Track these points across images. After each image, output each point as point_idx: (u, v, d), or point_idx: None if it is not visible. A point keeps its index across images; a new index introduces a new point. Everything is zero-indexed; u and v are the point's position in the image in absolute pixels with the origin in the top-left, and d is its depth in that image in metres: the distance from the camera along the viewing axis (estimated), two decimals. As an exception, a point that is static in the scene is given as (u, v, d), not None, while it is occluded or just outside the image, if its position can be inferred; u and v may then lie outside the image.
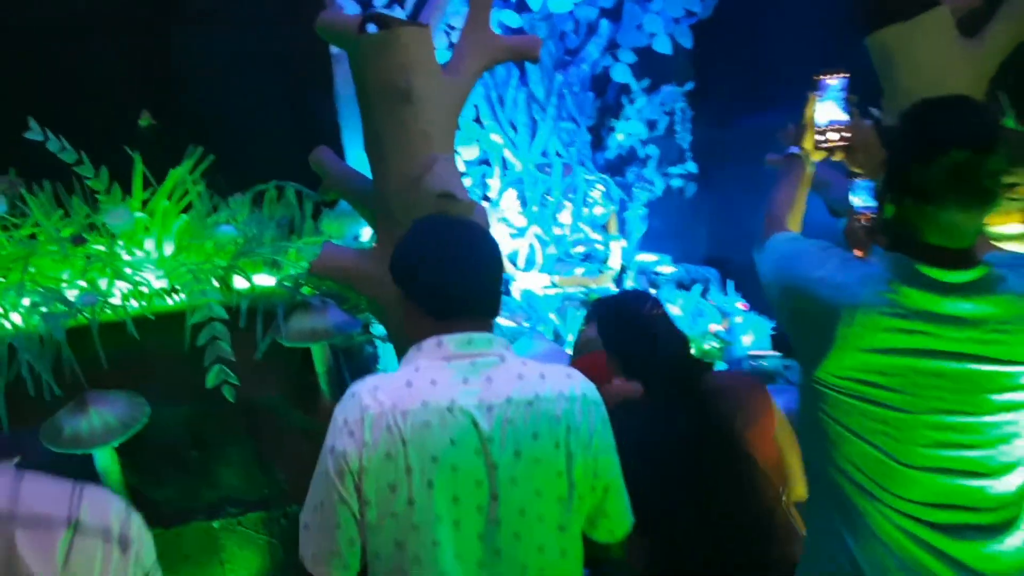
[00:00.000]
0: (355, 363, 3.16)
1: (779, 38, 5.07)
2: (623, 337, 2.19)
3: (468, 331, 1.52)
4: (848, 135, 2.14)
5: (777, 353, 4.37)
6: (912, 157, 1.52)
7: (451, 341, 1.50)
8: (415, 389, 1.45)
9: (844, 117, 2.14)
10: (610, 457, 1.57)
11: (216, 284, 2.86)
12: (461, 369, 1.48)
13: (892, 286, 1.56)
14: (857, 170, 2.28)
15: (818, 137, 2.15)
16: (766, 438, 2.07)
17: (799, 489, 2.01)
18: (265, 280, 3.02)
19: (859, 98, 2.52)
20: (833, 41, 4.68)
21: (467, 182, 5.41)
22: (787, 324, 1.76)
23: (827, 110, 2.14)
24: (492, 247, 1.62)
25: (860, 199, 2.37)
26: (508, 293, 5.12)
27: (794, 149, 2.17)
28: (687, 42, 5.58)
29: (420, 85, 2.49)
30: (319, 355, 2.93)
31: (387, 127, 2.52)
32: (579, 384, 1.55)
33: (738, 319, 4.66)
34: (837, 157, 2.20)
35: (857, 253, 2.14)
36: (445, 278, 1.54)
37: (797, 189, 2.14)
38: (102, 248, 2.82)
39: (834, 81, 2.17)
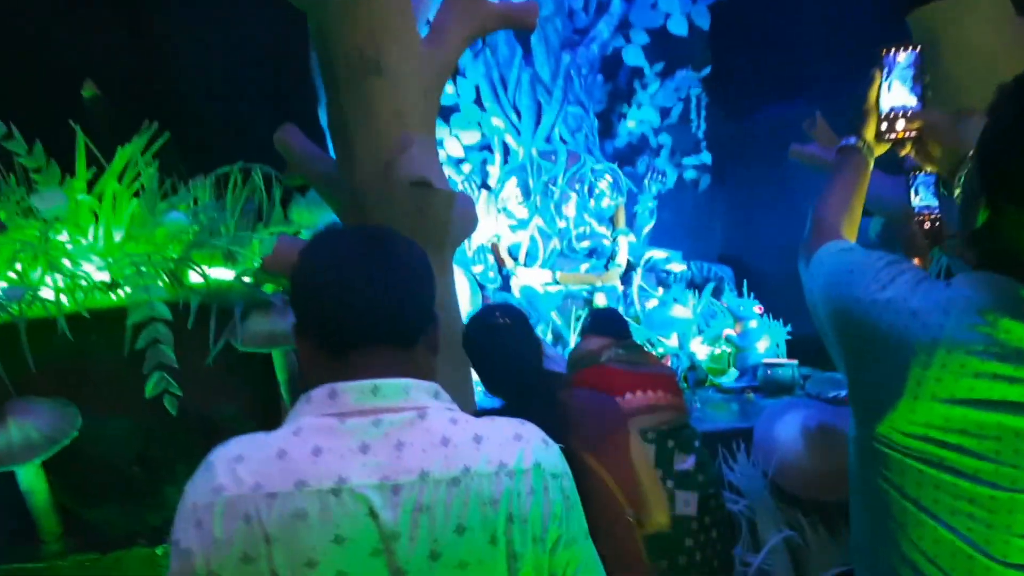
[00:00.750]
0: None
1: (805, 21, 4.70)
2: (473, 350, 1.98)
3: (374, 375, 1.08)
4: (919, 124, 1.73)
5: (793, 361, 4.02)
6: (1021, 151, 1.12)
7: (349, 390, 1.06)
8: (290, 462, 1.02)
9: (914, 101, 1.73)
10: (577, 551, 1.14)
11: (165, 279, 2.54)
12: (360, 431, 1.04)
13: (988, 317, 1.15)
14: (930, 167, 1.85)
15: (882, 126, 1.73)
16: (618, 460, 1.83)
17: (658, 517, 1.86)
18: (223, 274, 2.69)
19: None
20: (865, 24, 4.32)
21: (466, 168, 5.08)
22: (840, 360, 1.37)
23: (893, 92, 1.73)
24: (411, 259, 1.18)
25: (919, 196, 1.93)
26: (509, 289, 4.80)
27: (851, 140, 1.74)
28: (705, 23, 5.22)
29: (393, 54, 2.16)
30: (280, 362, 2.61)
31: (353, 103, 2.19)
32: (531, 448, 1.11)
33: (753, 323, 4.31)
34: (905, 151, 1.80)
35: (916, 263, 1.75)
36: (338, 297, 1.10)
37: (855, 189, 1.72)
38: (44, 237, 2.50)
39: (902, 56, 1.73)
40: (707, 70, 5.32)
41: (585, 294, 4.76)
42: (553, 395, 1.84)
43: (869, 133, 1.73)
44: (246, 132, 2.92)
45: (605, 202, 5.02)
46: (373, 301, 1.09)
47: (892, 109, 1.70)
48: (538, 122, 5.05)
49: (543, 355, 1.94)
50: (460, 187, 4.91)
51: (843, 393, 3.79)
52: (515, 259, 4.86)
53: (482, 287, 4.70)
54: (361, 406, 1.05)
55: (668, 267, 4.90)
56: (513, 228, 4.92)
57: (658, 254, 5.03)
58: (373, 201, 2.21)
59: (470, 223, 2.61)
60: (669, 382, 2.33)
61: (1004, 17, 2.55)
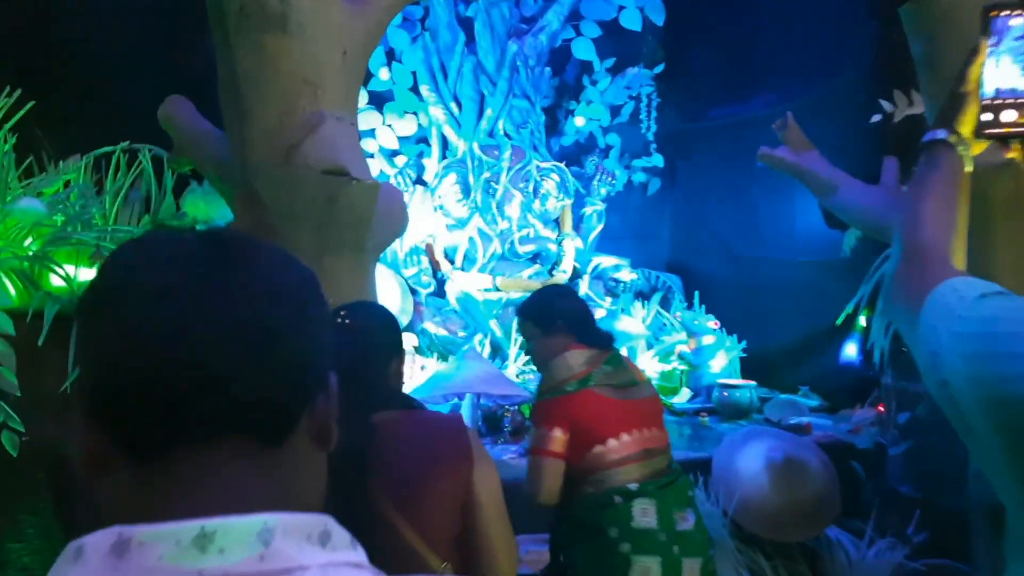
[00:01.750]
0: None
1: (763, 17, 4.43)
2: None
3: (203, 507, 0.53)
4: None
5: (751, 382, 3.73)
6: None
7: (153, 541, 0.51)
8: None
9: None
10: None
11: (16, 280, 2.05)
12: None
13: None
14: None
15: (985, 116, 1.24)
16: (435, 510, 1.47)
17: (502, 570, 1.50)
18: (91, 276, 2.19)
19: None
20: (828, 21, 4.08)
21: (400, 161, 4.64)
22: (996, 453, 0.90)
23: (1002, 71, 1.24)
24: (280, 288, 0.63)
25: (997, 73, 1.33)
26: (443, 295, 4.38)
27: (939, 133, 1.26)
28: (659, 18, 4.92)
29: (304, 6, 1.73)
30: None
31: (250, 67, 1.76)
32: None
33: (708, 339, 4.00)
34: (1013, 153, 1.35)
35: None
36: (137, 353, 0.56)
37: (953, 200, 1.25)
38: None
39: (1017, 21, 1.24)
40: (660, 67, 5.02)
41: (527, 302, 4.38)
42: (368, 423, 1.44)
43: (966, 125, 1.27)
44: (138, 104, 2.42)
45: (551, 203, 4.66)
46: (202, 361, 0.58)
47: (999, 93, 1.23)
48: (481, 114, 4.66)
49: (390, 372, 1.53)
50: (392, 182, 4.48)
51: (805, 420, 3.51)
52: (451, 262, 4.45)
53: (414, 292, 4.28)
54: (177, 567, 0.52)
55: (617, 275, 4.57)
56: (450, 228, 4.51)
57: (606, 261, 4.69)
58: (271, 191, 1.78)
59: (398, 222, 2.20)
60: (658, 410, 1.91)
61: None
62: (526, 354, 2.01)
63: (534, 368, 4.11)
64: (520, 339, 4.25)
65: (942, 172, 1.23)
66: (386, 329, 1.57)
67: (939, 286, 1.01)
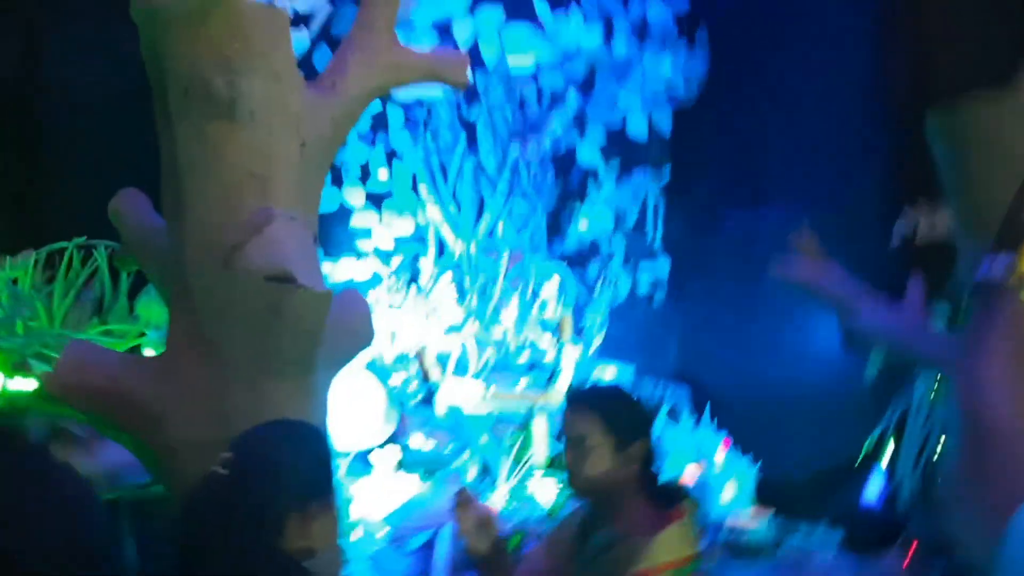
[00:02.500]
0: (152, 526, 2.06)
1: (773, 128, 4.31)
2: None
3: None
4: None
5: (766, 514, 3.36)
6: None
7: None
8: None
9: None
10: None
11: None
12: None
13: None
14: None
15: None
16: None
17: None
18: (23, 386, 1.97)
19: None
20: (841, 131, 3.94)
21: (395, 261, 4.44)
22: None
23: None
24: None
25: None
26: (432, 405, 4.08)
27: (995, 273, 1.05)
28: (665, 127, 4.80)
29: (256, 92, 1.54)
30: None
31: (192, 156, 1.56)
32: None
33: (718, 460, 3.65)
34: None
35: None
36: None
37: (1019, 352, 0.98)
38: None
39: None
40: (667, 176, 4.87)
41: (522, 416, 4.06)
42: None
43: None
44: (101, 196, 2.22)
45: (551, 309, 4.41)
46: None
47: None
48: (479, 216, 4.49)
49: (285, 539, 1.24)
50: (386, 283, 4.27)
51: (827, 562, 3.12)
52: (443, 370, 4.17)
53: (401, 403, 3.98)
54: None
55: (618, 389, 4.26)
56: (444, 333, 4.25)
57: (608, 372, 4.40)
58: (208, 298, 1.55)
59: (362, 334, 1.95)
60: None
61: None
62: (573, 478, 1.58)
63: (523, 490, 3.79)
64: (518, 456, 3.93)
65: (1003, 324, 1.02)
66: (288, 470, 1.28)
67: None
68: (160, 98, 1.57)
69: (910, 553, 3.05)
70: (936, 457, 2.94)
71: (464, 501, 1.58)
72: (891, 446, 3.13)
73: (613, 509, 1.54)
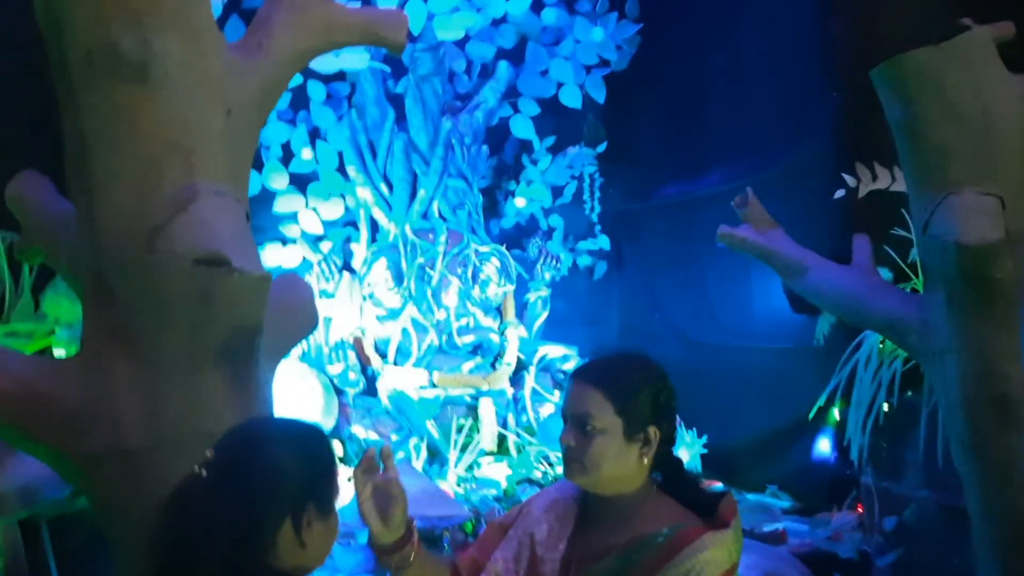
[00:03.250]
0: (73, 542, 1.86)
1: (710, 91, 4.28)
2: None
3: None
4: None
5: (717, 484, 3.34)
6: None
7: None
8: None
9: None
10: None
11: None
12: None
13: None
14: None
15: None
16: None
17: None
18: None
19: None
20: (781, 93, 3.92)
21: (325, 247, 4.25)
22: None
23: None
24: None
25: None
26: (374, 392, 3.92)
27: None
28: (599, 95, 4.73)
29: (172, 54, 1.36)
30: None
31: (101, 129, 1.36)
32: None
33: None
34: None
35: None
36: None
37: None
38: None
39: None
40: (603, 145, 4.80)
41: (468, 399, 3.95)
42: None
43: None
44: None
45: (492, 290, 4.30)
46: None
47: None
48: (413, 196, 4.33)
49: (278, 550, 1.10)
50: (317, 270, 4.06)
51: (780, 526, 3.13)
52: (383, 357, 4.01)
53: (339, 392, 3.81)
54: None
55: (565, 367, 4.19)
56: (381, 319, 4.09)
57: (553, 351, 4.32)
58: (128, 287, 1.36)
59: (306, 319, 1.79)
60: None
61: (997, 70, 2.05)
62: (584, 464, 1.34)
63: (474, 474, 3.68)
64: (466, 440, 3.79)
65: None
66: (273, 475, 1.14)
67: None
68: (58, 65, 1.36)
69: (861, 512, 3.08)
70: (883, 414, 2.96)
71: (369, 467, 1.29)
72: (840, 406, 3.13)
73: (623, 506, 1.35)
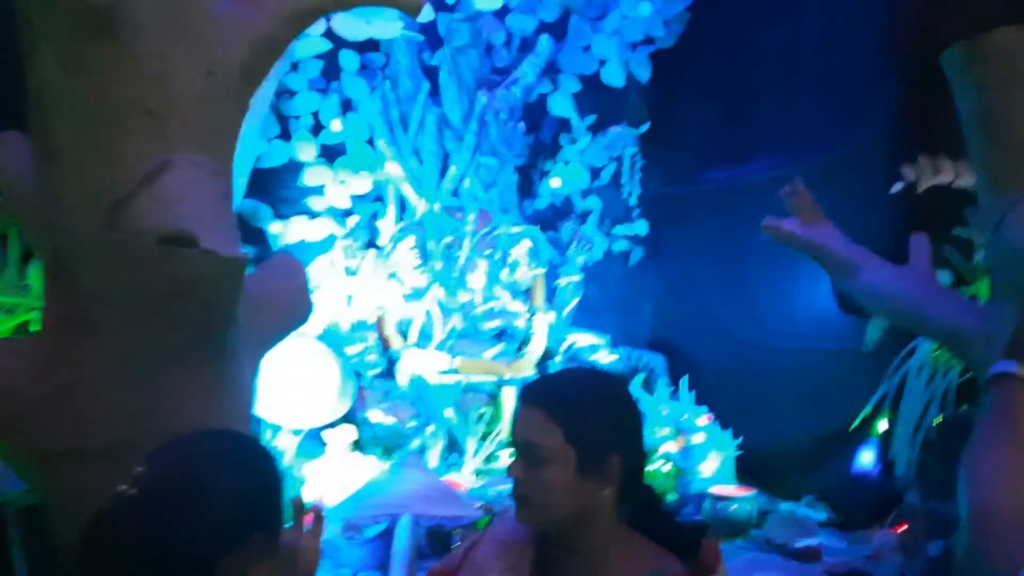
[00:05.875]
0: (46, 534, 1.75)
1: (765, 73, 4.01)
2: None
3: None
4: None
5: (750, 491, 3.15)
6: None
7: None
8: None
9: None
10: None
11: None
12: None
13: None
14: None
15: None
16: None
17: None
18: None
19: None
20: (830, 78, 3.65)
21: (351, 222, 4.11)
22: None
23: None
24: None
25: None
26: (393, 376, 3.79)
27: (1007, 365, 1.15)
28: (644, 74, 4.49)
29: (143, 7, 1.21)
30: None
31: (64, 87, 1.22)
32: None
33: (698, 437, 3.43)
34: None
35: None
36: None
37: (1021, 453, 1.11)
38: None
39: None
40: (645, 127, 4.56)
41: (491, 387, 3.80)
42: None
43: None
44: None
45: (521, 273, 4.12)
46: None
47: None
48: (444, 172, 4.16)
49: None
50: (340, 245, 3.93)
51: (815, 542, 2.92)
52: (404, 338, 3.87)
53: (358, 374, 3.69)
54: None
55: (594, 357, 4.01)
56: (405, 299, 3.95)
57: (583, 339, 4.14)
58: (88, 267, 1.22)
59: (296, 309, 1.65)
60: None
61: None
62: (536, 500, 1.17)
63: (492, 467, 3.52)
64: (486, 430, 3.64)
65: (1010, 415, 1.11)
66: (223, 493, 0.99)
67: None
68: (23, 14, 1.22)
69: (904, 530, 2.86)
70: (934, 429, 2.73)
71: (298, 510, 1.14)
72: (887, 416, 2.91)
73: (587, 550, 1.16)
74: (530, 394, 1.21)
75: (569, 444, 1.14)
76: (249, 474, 1.02)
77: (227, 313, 1.29)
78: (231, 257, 1.22)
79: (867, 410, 2.88)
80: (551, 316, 4.17)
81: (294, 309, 1.62)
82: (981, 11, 2.25)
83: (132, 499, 0.96)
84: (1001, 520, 1.02)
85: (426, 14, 3.81)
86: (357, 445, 3.36)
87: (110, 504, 0.97)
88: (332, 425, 3.34)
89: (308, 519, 1.14)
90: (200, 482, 0.98)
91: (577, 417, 1.15)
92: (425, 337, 3.89)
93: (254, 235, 4.03)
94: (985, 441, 1.12)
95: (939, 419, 2.74)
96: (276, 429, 3.31)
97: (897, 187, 2.93)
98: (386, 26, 3.61)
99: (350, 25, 3.51)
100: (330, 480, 3.06)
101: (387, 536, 2.63)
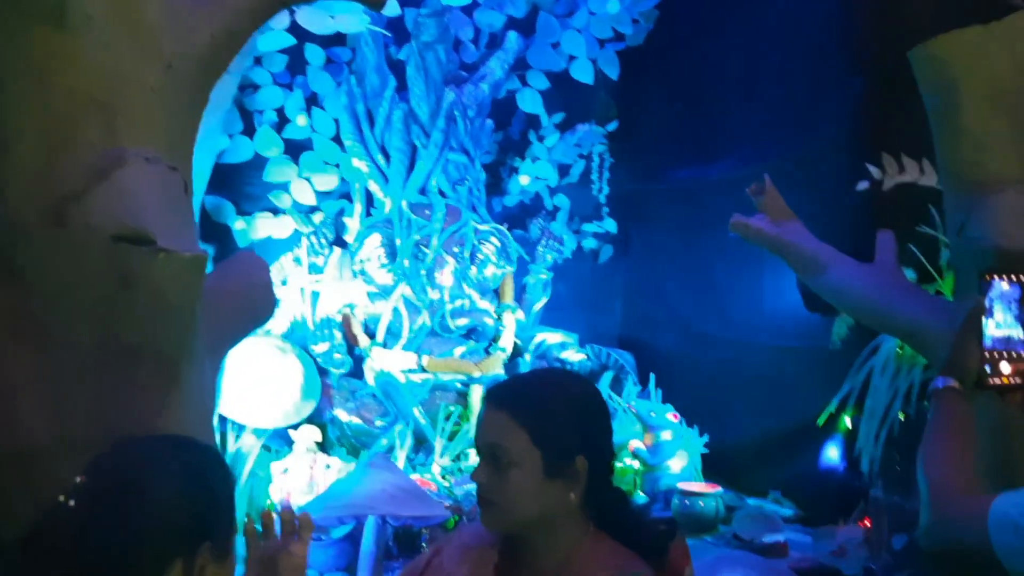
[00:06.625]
0: None
1: (728, 73, 4.03)
2: None
3: None
4: None
5: (717, 489, 3.16)
6: None
7: None
8: None
9: (1020, 337, 1.44)
10: None
11: None
12: None
13: None
14: None
15: (984, 367, 1.42)
16: None
17: None
18: None
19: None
20: (809, 76, 3.67)
21: (317, 219, 4.05)
22: None
23: (1000, 326, 1.46)
24: None
25: (997, 319, 1.44)
26: (360, 374, 3.74)
27: (945, 381, 1.42)
28: (613, 71, 4.49)
29: (91, -4, 1.16)
30: None
31: (9, 78, 1.16)
32: None
33: (666, 435, 3.43)
34: (1010, 403, 1.48)
35: None
36: None
37: (967, 444, 1.38)
38: None
39: (1007, 285, 1.46)
40: (614, 124, 4.57)
41: (459, 385, 3.77)
42: None
43: (968, 375, 1.43)
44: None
45: (490, 270, 4.09)
46: None
47: (995, 344, 1.42)
48: (411, 169, 4.11)
49: None
50: (305, 242, 3.87)
51: (782, 538, 2.95)
52: (372, 336, 3.83)
53: (324, 373, 3.63)
54: None
55: (563, 355, 3.99)
56: (372, 297, 3.90)
57: (552, 337, 4.13)
58: (35, 266, 1.17)
59: (259, 308, 1.60)
60: None
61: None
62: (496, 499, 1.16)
63: (461, 465, 3.50)
64: (455, 429, 3.59)
65: (950, 418, 1.38)
66: (158, 509, 0.95)
67: (992, 509, 1.19)
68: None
69: (869, 525, 2.90)
70: (898, 425, 2.77)
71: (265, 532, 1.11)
72: (852, 414, 2.94)
73: (553, 553, 1.14)
74: (495, 396, 1.19)
75: (535, 446, 1.12)
76: (197, 481, 0.98)
77: (185, 313, 1.24)
78: (189, 255, 1.17)
79: (832, 407, 2.90)
80: (520, 314, 4.15)
81: (256, 308, 1.57)
82: (943, 12, 2.27)
83: (73, 505, 0.92)
84: (952, 494, 1.28)
85: (392, 8, 3.76)
86: (322, 445, 3.31)
87: (51, 511, 0.93)
88: (297, 425, 3.28)
89: (297, 524, 1.12)
90: (144, 489, 0.94)
91: (543, 419, 1.14)
92: (393, 335, 3.84)
93: (218, 232, 3.97)
94: (934, 440, 1.37)
95: (903, 416, 2.77)
96: (240, 428, 3.25)
97: (863, 185, 2.96)
98: (350, 19, 3.55)
99: (314, 19, 3.45)
100: (296, 480, 3.01)
101: (355, 537, 2.60)
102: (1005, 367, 1.40)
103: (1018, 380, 1.40)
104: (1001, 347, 1.41)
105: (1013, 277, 1.46)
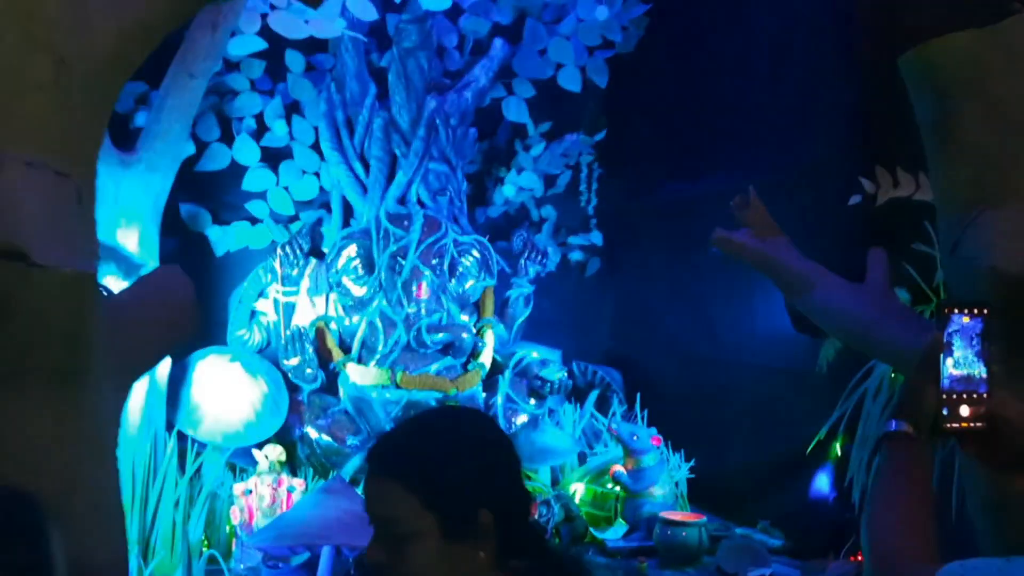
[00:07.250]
0: None
1: (723, 82, 3.90)
2: None
3: None
4: (993, 412, 1.26)
5: (701, 519, 3.01)
6: None
7: None
8: None
9: (982, 376, 1.28)
10: None
11: None
12: None
13: None
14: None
15: (943, 410, 1.25)
16: None
17: None
18: None
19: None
20: (800, 88, 3.54)
21: (294, 228, 3.92)
22: None
23: (960, 365, 1.30)
24: None
25: (956, 357, 1.29)
26: (334, 391, 3.60)
27: (899, 424, 1.25)
28: (601, 80, 4.36)
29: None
30: None
31: None
32: None
33: (649, 459, 3.28)
34: (968, 450, 1.32)
35: None
36: None
37: (920, 495, 1.20)
38: None
39: (968, 319, 1.31)
40: (602, 134, 4.44)
41: (435, 403, 3.62)
42: None
43: (923, 419, 1.29)
44: None
45: (469, 283, 3.95)
46: None
47: (953, 385, 1.28)
48: (391, 178, 3.99)
49: None
50: (280, 252, 3.74)
51: (768, 572, 2.79)
52: (347, 351, 3.69)
53: (293, 388, 3.49)
54: None
55: (543, 372, 3.85)
56: (347, 310, 3.76)
57: (533, 354, 3.98)
58: None
59: (177, 328, 1.46)
60: None
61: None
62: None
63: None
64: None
65: (903, 465, 1.23)
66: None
67: None
68: None
69: (861, 561, 2.74)
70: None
71: None
72: (842, 441, 2.80)
73: None
74: (375, 460, 1.07)
75: (428, 511, 1.00)
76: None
77: (73, 338, 1.11)
78: (71, 272, 1.04)
79: (821, 434, 2.76)
80: (500, 329, 4.01)
81: (174, 328, 1.43)
82: (936, 16, 2.14)
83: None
84: (901, 562, 1.11)
85: (372, 14, 3.63)
86: (290, 465, 3.17)
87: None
88: (262, 444, 3.14)
89: None
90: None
91: (431, 478, 1.01)
92: (367, 350, 3.70)
93: (193, 240, 3.85)
94: (883, 493, 1.21)
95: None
96: (203, 445, 3.11)
97: (855, 199, 2.83)
98: (326, 25, 3.43)
99: (287, 23, 3.32)
100: (258, 501, 2.87)
101: (313, 565, 2.45)
102: (964, 410, 1.26)
103: (978, 425, 1.25)
104: (960, 388, 1.27)
105: (975, 311, 1.32)
